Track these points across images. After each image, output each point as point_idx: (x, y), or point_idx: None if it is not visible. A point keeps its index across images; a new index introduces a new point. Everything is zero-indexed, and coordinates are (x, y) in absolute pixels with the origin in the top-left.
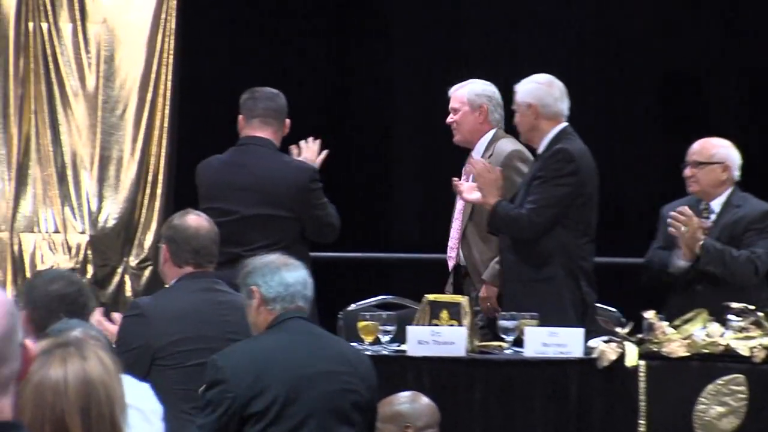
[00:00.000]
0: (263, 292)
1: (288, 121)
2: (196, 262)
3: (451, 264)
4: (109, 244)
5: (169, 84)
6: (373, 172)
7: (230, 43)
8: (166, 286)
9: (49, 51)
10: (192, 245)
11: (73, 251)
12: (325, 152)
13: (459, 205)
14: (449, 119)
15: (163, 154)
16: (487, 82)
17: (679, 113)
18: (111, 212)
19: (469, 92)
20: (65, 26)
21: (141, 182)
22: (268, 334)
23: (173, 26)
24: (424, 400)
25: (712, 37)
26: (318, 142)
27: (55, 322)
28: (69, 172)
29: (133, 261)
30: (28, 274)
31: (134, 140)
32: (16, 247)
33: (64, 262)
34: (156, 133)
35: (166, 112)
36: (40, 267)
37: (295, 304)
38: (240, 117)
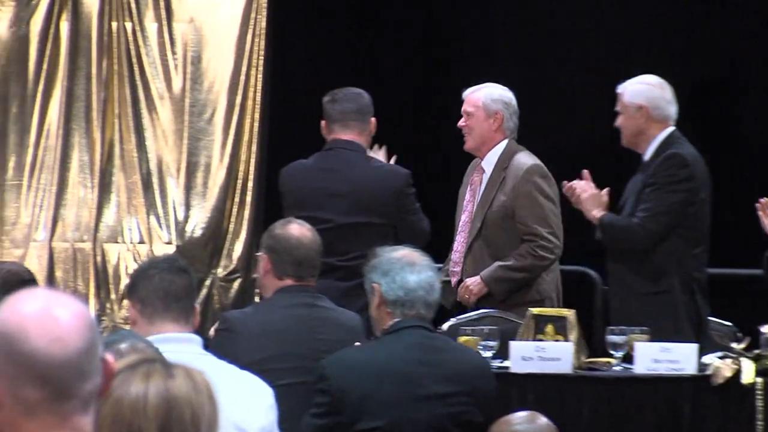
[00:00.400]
0: (383, 291)
1: (374, 120)
2: (297, 275)
3: (454, 279)
4: (197, 255)
5: (259, 86)
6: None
7: (322, 42)
8: (257, 298)
9: (133, 52)
10: (294, 256)
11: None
12: (393, 157)
13: (464, 217)
14: (461, 123)
15: (252, 159)
16: (505, 88)
17: None
18: (198, 221)
19: (485, 96)
20: (150, 26)
21: (230, 190)
22: (382, 344)
23: (263, 25)
24: (543, 420)
25: None
26: (384, 148)
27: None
28: (154, 180)
29: (221, 273)
30: (111, 287)
31: (223, 145)
32: (99, 259)
33: None
34: (245, 137)
35: (256, 116)
36: (124, 280)
37: (415, 310)
38: (323, 121)
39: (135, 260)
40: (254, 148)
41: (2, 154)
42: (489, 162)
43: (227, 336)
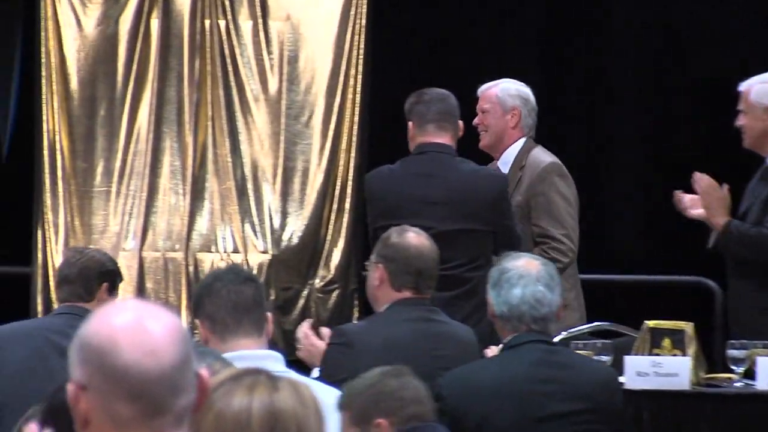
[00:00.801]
0: (493, 305)
1: (461, 123)
2: (415, 287)
3: None
4: (293, 265)
5: (359, 87)
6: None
7: (427, 42)
8: (356, 310)
9: (227, 51)
10: (414, 267)
11: (255, 273)
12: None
13: None
14: (476, 120)
15: (351, 164)
16: (522, 84)
17: None
18: (295, 229)
19: (502, 91)
20: (245, 24)
21: (327, 196)
22: (502, 361)
23: (363, 23)
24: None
25: None
26: None
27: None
28: (249, 186)
29: (318, 283)
30: None
31: (321, 150)
32: (191, 269)
33: None
34: (344, 141)
35: (356, 118)
36: None
37: (525, 325)
38: (410, 123)
39: None
40: (353, 152)
41: (90, 159)
42: (505, 161)
43: (344, 351)
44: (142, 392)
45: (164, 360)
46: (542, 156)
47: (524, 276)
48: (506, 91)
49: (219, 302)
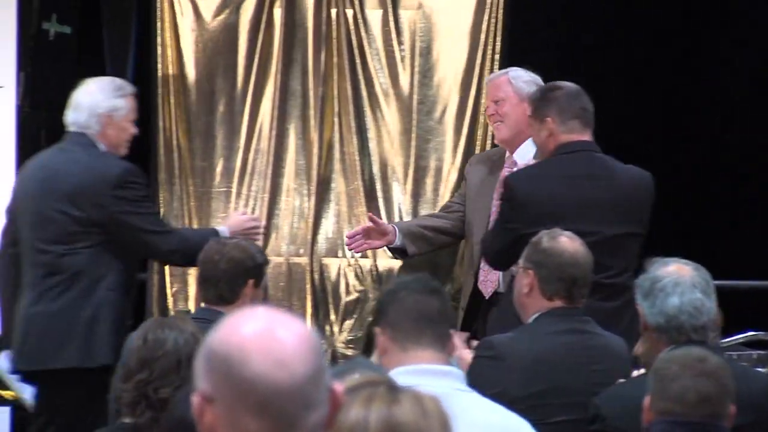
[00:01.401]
0: (646, 315)
1: None
2: (568, 295)
3: (489, 290)
4: (425, 270)
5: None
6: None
7: (566, 34)
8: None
9: (355, 43)
10: (567, 273)
11: (384, 279)
12: None
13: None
14: (490, 111)
15: None
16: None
17: None
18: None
19: (515, 78)
20: (373, 13)
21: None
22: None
23: (501, 11)
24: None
25: None
26: None
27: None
28: (378, 186)
29: (451, 290)
30: (330, 307)
31: (455, 148)
32: (317, 275)
33: (372, 291)
34: (479, 139)
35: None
36: (344, 298)
37: (684, 335)
38: (548, 119)
39: (357, 277)
40: (488, 149)
41: (209, 157)
42: (522, 155)
43: (494, 365)
44: (272, 406)
45: (296, 372)
46: None
47: (680, 283)
48: (519, 78)
49: (403, 311)
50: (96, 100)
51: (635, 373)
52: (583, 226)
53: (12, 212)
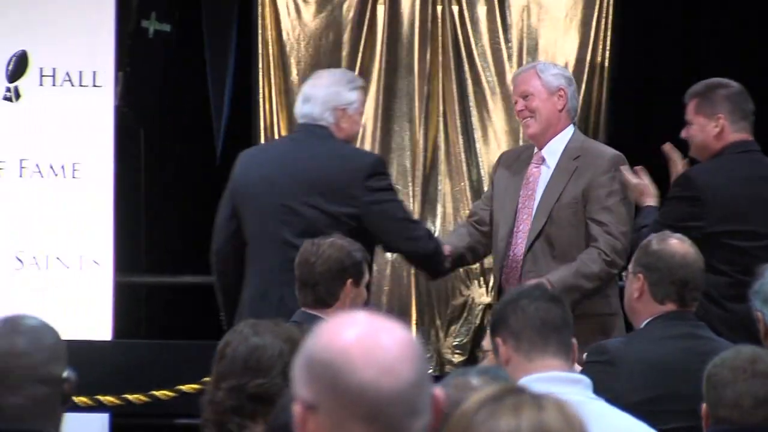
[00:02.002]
0: (766, 321)
1: None
2: (680, 299)
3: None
4: None
5: (606, 78)
6: None
7: (684, 24)
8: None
9: (461, 40)
10: (679, 277)
11: (491, 283)
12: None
13: (522, 215)
14: (519, 106)
15: None
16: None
17: None
18: None
19: (543, 72)
20: (480, 9)
21: None
22: None
23: (611, 4)
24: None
25: None
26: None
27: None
28: (485, 187)
29: None
30: (435, 312)
31: None
32: (421, 279)
33: (479, 296)
34: (590, 137)
35: (603, 112)
36: (451, 302)
37: None
38: (720, 115)
39: (463, 281)
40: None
41: None
42: (552, 151)
43: (606, 370)
44: (378, 413)
45: (401, 379)
46: (602, 146)
47: None
48: (548, 71)
49: (526, 320)
50: (330, 93)
51: None
52: (763, 228)
53: (233, 205)
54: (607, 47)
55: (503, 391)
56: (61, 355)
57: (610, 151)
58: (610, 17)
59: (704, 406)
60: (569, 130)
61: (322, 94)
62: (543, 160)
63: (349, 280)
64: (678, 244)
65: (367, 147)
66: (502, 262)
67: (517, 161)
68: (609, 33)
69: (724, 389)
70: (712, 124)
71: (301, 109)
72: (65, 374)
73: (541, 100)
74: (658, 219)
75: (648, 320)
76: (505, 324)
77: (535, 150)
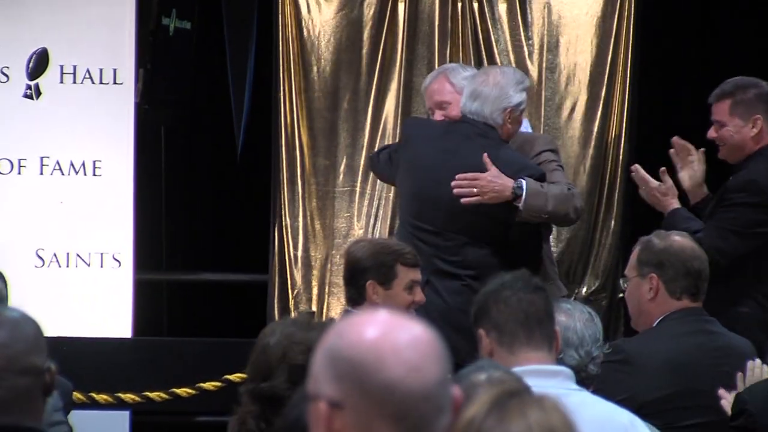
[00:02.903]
0: None
1: None
2: (696, 291)
3: None
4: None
5: (628, 75)
6: None
7: (704, 21)
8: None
9: (481, 37)
10: (694, 268)
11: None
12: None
13: None
14: (437, 117)
15: (620, 160)
16: None
17: None
18: (561, 232)
19: (454, 78)
20: (500, 6)
21: (595, 195)
22: None
23: (633, 3)
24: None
25: None
26: None
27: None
28: None
29: (585, 291)
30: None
31: (584, 145)
32: None
33: None
34: (611, 136)
35: (625, 110)
36: None
37: None
38: (757, 116)
39: None
40: (622, 148)
41: (332, 156)
42: None
43: (623, 369)
44: (407, 412)
45: (429, 377)
46: (531, 133)
47: None
48: (459, 76)
49: (509, 311)
50: (504, 94)
51: (750, 364)
52: None
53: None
54: (630, 48)
55: (506, 393)
56: (41, 346)
57: (540, 135)
58: (632, 15)
59: None
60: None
61: (493, 95)
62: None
63: (369, 281)
64: (682, 239)
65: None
66: None
67: None
68: (631, 31)
69: None
70: (749, 126)
71: (469, 106)
72: (46, 365)
73: (458, 108)
74: (721, 225)
75: (660, 318)
76: (487, 316)
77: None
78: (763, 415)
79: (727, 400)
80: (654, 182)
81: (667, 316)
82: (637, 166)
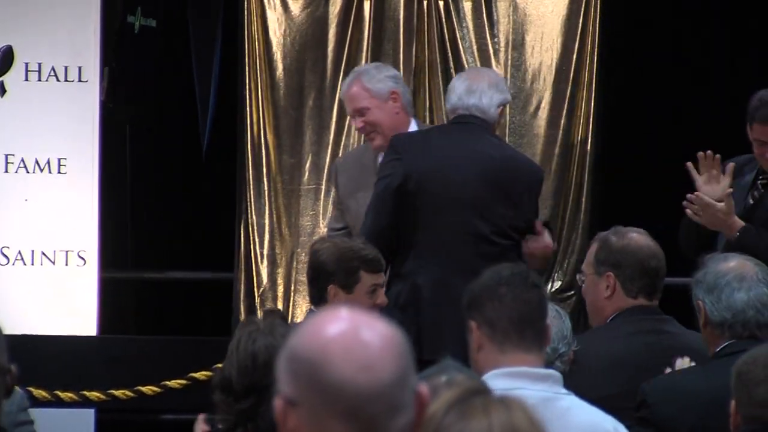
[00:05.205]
0: (708, 311)
1: None
2: (653, 290)
3: None
4: None
5: (595, 74)
6: None
7: (674, 18)
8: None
9: (447, 36)
10: (652, 267)
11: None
12: None
13: None
14: (358, 123)
15: (587, 160)
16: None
17: None
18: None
19: (369, 82)
20: (465, 4)
21: (562, 195)
22: (714, 368)
23: (598, 1)
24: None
25: None
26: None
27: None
28: None
29: (552, 290)
30: None
31: (551, 144)
32: None
33: None
34: (577, 135)
35: (592, 108)
36: None
37: (748, 331)
38: None
39: None
40: (589, 147)
41: (297, 154)
42: None
43: (571, 368)
44: (357, 411)
45: (381, 376)
46: None
47: (745, 278)
48: (373, 79)
49: (503, 310)
50: (499, 90)
51: (679, 361)
52: None
53: (407, 188)
54: (596, 44)
55: (468, 392)
56: (2, 346)
57: None
58: (598, 14)
59: (733, 403)
60: (412, 126)
61: (490, 90)
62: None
63: (331, 285)
64: (639, 236)
65: (352, 142)
66: None
67: (361, 170)
68: (597, 28)
69: (756, 387)
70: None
71: (466, 101)
72: (7, 366)
73: (378, 111)
74: None
75: (613, 315)
76: (480, 310)
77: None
78: (661, 406)
79: None
80: (719, 204)
81: (619, 315)
82: (699, 194)
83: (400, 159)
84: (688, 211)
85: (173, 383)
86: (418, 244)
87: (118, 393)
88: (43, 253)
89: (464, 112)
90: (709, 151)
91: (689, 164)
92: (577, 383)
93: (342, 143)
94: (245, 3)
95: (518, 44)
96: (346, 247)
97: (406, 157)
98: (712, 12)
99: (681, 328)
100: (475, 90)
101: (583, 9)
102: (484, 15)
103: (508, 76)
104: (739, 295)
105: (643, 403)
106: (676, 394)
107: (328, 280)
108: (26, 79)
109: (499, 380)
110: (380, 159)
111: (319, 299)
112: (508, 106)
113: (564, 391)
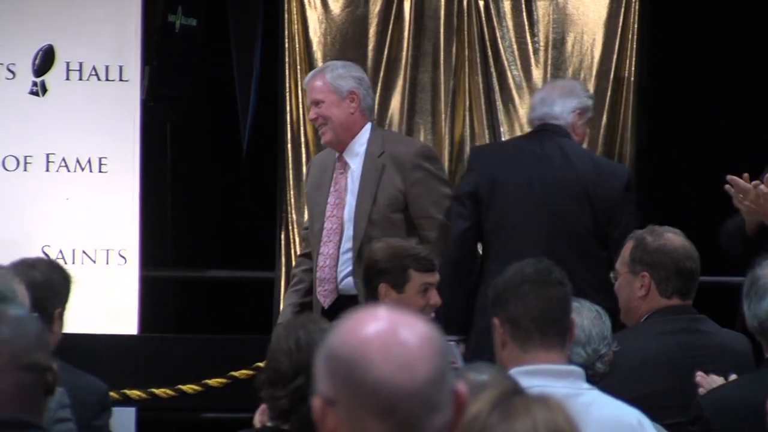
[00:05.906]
0: (747, 318)
1: None
2: (687, 291)
3: (328, 300)
4: None
5: (633, 74)
6: None
7: (713, 24)
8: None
9: (487, 34)
10: (687, 268)
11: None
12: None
13: (330, 224)
14: (312, 115)
15: (627, 158)
16: (349, 63)
17: None
18: None
19: (331, 77)
20: (505, 3)
21: None
22: (758, 379)
23: (637, 1)
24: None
25: None
26: None
27: None
28: None
29: None
30: None
31: (592, 144)
32: None
33: None
34: (617, 134)
35: (631, 108)
36: None
37: None
38: None
39: None
40: (628, 145)
41: None
42: (354, 154)
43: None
44: (394, 409)
45: (418, 374)
46: (404, 139)
47: None
48: (336, 75)
49: (526, 308)
50: (573, 95)
51: (732, 377)
52: None
53: (479, 195)
54: (635, 44)
55: (507, 392)
56: (44, 344)
57: (415, 145)
58: (638, 11)
59: None
60: (366, 130)
61: (562, 96)
62: (346, 164)
63: (382, 284)
64: (675, 237)
65: None
66: (320, 279)
67: (323, 171)
68: (636, 28)
69: None
70: None
71: (539, 111)
72: (48, 363)
73: (333, 107)
74: None
75: (647, 315)
76: (504, 307)
77: (337, 155)
78: (716, 421)
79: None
80: (745, 204)
81: (653, 314)
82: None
83: (472, 170)
84: (741, 206)
85: (213, 382)
86: (493, 249)
87: (158, 392)
88: (84, 252)
89: (539, 122)
90: (743, 176)
91: (727, 187)
92: (611, 384)
93: None
94: (285, 2)
95: (558, 43)
96: (398, 246)
97: (477, 167)
98: (751, 6)
99: (716, 326)
100: (546, 99)
101: (623, 8)
102: (524, 14)
103: (548, 75)
104: (764, 304)
105: (700, 418)
106: (731, 406)
107: (379, 278)
108: (67, 79)
109: (521, 378)
110: (339, 158)
111: (371, 298)
112: None
113: (586, 386)
